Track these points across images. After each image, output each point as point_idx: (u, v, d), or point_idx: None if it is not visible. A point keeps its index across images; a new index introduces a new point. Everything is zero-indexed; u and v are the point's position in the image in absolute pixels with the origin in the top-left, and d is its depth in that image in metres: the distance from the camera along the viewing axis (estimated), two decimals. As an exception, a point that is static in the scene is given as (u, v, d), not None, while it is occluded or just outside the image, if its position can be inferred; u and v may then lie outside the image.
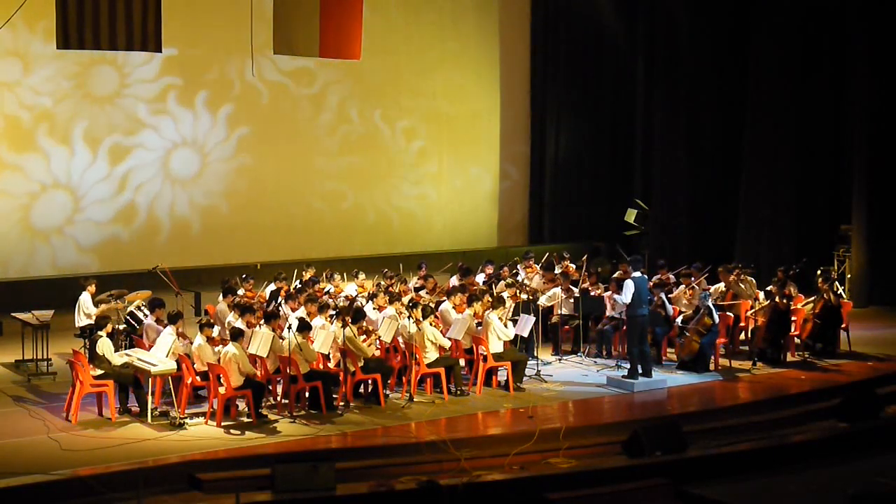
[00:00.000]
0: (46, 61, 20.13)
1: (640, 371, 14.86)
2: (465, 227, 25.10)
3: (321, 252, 22.43)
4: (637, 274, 14.94)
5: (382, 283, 16.94)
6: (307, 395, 13.74)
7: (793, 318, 16.52)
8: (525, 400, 14.23)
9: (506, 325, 14.85)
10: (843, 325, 17.02)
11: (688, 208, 23.77)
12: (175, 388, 13.55)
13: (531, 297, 16.41)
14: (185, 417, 13.10)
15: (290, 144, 22.96)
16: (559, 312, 17.01)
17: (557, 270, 18.19)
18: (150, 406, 13.17)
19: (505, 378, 14.76)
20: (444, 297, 16.15)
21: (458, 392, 14.52)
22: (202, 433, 12.73)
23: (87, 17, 14.78)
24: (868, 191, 21.04)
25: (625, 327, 15.58)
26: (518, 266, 18.60)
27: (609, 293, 16.64)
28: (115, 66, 20.90)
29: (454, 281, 17.68)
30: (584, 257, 18.90)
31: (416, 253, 22.70)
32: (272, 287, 16.92)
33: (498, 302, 15.03)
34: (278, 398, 13.83)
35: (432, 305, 15.25)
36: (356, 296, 16.56)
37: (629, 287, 14.76)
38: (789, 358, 16.42)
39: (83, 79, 20.67)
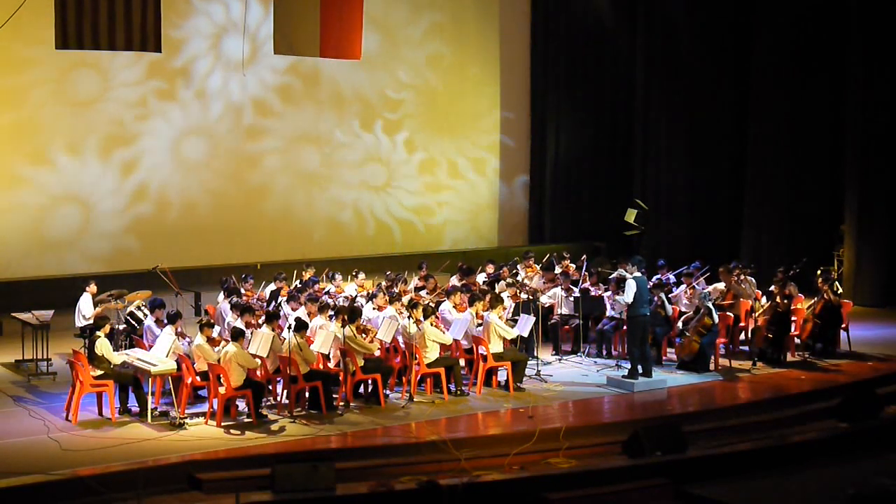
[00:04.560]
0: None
1: (640, 371, 14.86)
2: (465, 227, 25.11)
3: (321, 252, 22.43)
4: (638, 274, 14.94)
5: (382, 283, 16.94)
6: (307, 395, 13.75)
7: (793, 318, 16.52)
8: (525, 400, 14.22)
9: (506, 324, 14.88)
10: (843, 325, 17.02)
11: (688, 208, 23.77)
12: (175, 388, 13.54)
13: (531, 297, 16.41)
14: (185, 417, 13.10)
15: (289, 145, 22.97)
16: (559, 312, 17.01)
17: (557, 270, 18.19)
18: (150, 406, 13.17)
19: (505, 378, 14.76)
20: (445, 298, 16.15)
21: (458, 392, 14.51)
22: (202, 433, 12.72)
23: (85, 18, 14.77)
24: (863, 191, 21.04)
25: (625, 327, 15.58)
26: (518, 266, 18.60)
27: (609, 293, 16.65)
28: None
29: (454, 281, 17.68)
30: (584, 257, 18.90)
31: (416, 253, 22.71)
32: (272, 287, 16.93)
33: (496, 301, 15.03)
34: (278, 398, 13.82)
35: (433, 305, 15.25)
36: (356, 296, 16.56)
37: (631, 286, 14.76)
38: (789, 358, 16.41)
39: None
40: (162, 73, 21.43)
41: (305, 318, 14.47)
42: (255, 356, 13.52)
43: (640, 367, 14.84)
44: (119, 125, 21.17)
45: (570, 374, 15.66)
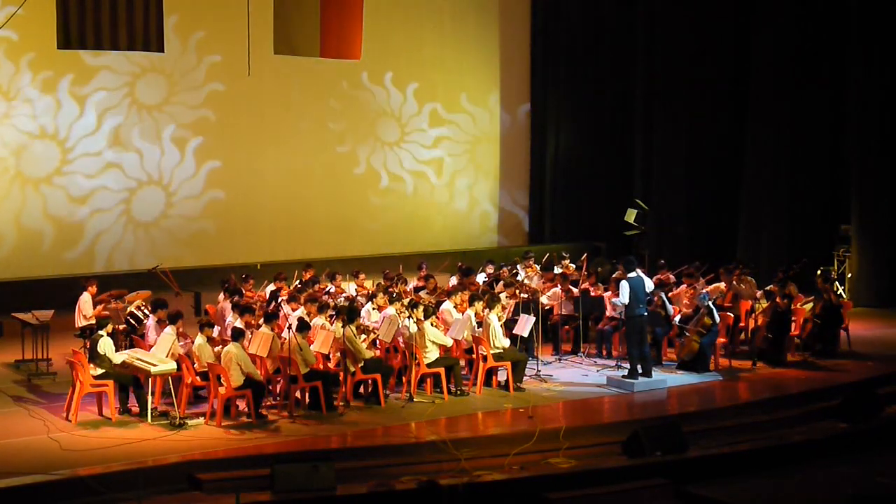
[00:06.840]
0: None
1: (640, 371, 14.86)
2: (465, 227, 25.11)
3: (321, 252, 22.44)
4: (633, 274, 14.93)
5: (382, 283, 16.93)
6: (307, 395, 13.75)
7: (793, 318, 16.52)
8: (525, 400, 14.22)
9: (503, 329, 14.88)
10: (843, 325, 17.03)
11: (688, 208, 23.77)
12: (175, 388, 13.54)
13: (531, 297, 16.41)
14: (185, 417, 13.11)
15: (289, 144, 22.98)
16: (559, 312, 17.01)
17: (557, 270, 18.19)
18: (150, 406, 13.17)
19: (505, 378, 14.76)
20: (445, 297, 16.14)
21: (458, 392, 14.51)
22: (202, 433, 12.72)
23: (87, 17, 14.79)
24: (867, 191, 21.03)
25: (624, 328, 15.58)
26: (518, 266, 18.60)
27: (609, 293, 16.65)
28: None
29: (454, 281, 17.68)
30: (584, 257, 18.90)
31: (416, 253, 22.72)
32: (272, 287, 16.92)
33: (493, 301, 15.01)
34: (278, 398, 13.83)
35: (433, 305, 15.25)
36: (356, 296, 16.56)
37: (625, 288, 14.76)
38: (789, 358, 16.40)
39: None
40: (167, 70, 21.49)
41: (304, 318, 14.45)
42: (253, 356, 13.53)
43: (639, 367, 14.85)
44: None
45: (570, 374, 15.66)
